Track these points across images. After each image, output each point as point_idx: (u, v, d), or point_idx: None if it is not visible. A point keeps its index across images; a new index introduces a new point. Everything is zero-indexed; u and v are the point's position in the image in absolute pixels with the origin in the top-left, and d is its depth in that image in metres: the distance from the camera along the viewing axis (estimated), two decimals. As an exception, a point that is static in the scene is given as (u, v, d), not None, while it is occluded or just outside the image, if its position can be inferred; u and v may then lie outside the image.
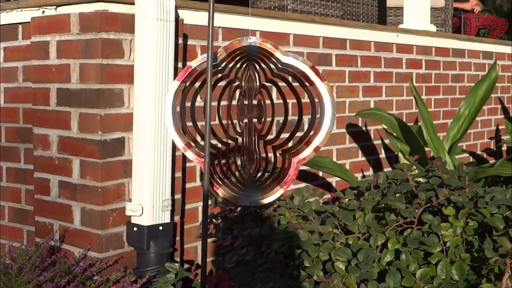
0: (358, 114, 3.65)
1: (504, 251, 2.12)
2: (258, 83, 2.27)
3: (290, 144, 2.35)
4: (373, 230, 2.37)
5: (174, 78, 2.60)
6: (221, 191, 2.16)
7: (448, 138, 3.70)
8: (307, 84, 2.20)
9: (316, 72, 2.17)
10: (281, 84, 2.34)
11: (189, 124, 2.25)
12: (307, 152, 2.20)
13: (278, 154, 2.32)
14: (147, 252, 2.57)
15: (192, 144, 2.16)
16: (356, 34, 3.73)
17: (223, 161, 2.35)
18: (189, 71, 2.11)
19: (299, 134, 2.38)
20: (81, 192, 2.59)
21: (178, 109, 2.14)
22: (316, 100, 2.20)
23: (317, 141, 2.18)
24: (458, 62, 4.61)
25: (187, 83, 2.14)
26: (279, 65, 2.19)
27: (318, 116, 2.22)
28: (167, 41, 2.55)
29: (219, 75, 2.23)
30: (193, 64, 2.14)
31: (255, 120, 2.29)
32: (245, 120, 2.30)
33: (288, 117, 2.40)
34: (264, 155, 2.33)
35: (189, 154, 2.12)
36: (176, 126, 2.13)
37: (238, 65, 2.22)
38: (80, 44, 2.55)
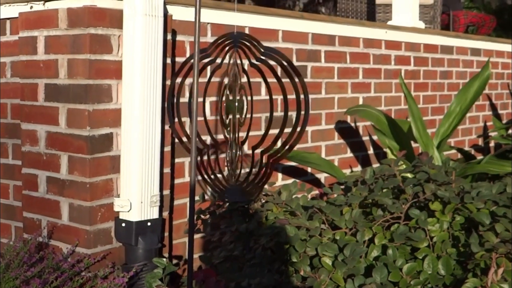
0: (346, 112, 3.65)
1: (490, 246, 2.14)
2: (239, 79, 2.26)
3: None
4: (360, 225, 2.37)
5: (163, 73, 2.60)
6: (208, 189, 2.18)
7: (438, 134, 3.70)
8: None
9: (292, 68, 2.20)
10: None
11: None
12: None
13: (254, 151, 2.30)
14: (135, 248, 2.57)
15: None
16: (345, 31, 3.74)
17: (212, 157, 2.34)
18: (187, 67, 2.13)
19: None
20: (69, 187, 2.58)
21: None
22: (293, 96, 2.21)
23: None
24: (446, 59, 4.62)
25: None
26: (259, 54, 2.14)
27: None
28: (155, 36, 2.55)
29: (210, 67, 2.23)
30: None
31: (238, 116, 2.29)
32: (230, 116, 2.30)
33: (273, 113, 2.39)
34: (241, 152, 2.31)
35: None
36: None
37: (227, 60, 2.23)
38: (68, 40, 2.54)
